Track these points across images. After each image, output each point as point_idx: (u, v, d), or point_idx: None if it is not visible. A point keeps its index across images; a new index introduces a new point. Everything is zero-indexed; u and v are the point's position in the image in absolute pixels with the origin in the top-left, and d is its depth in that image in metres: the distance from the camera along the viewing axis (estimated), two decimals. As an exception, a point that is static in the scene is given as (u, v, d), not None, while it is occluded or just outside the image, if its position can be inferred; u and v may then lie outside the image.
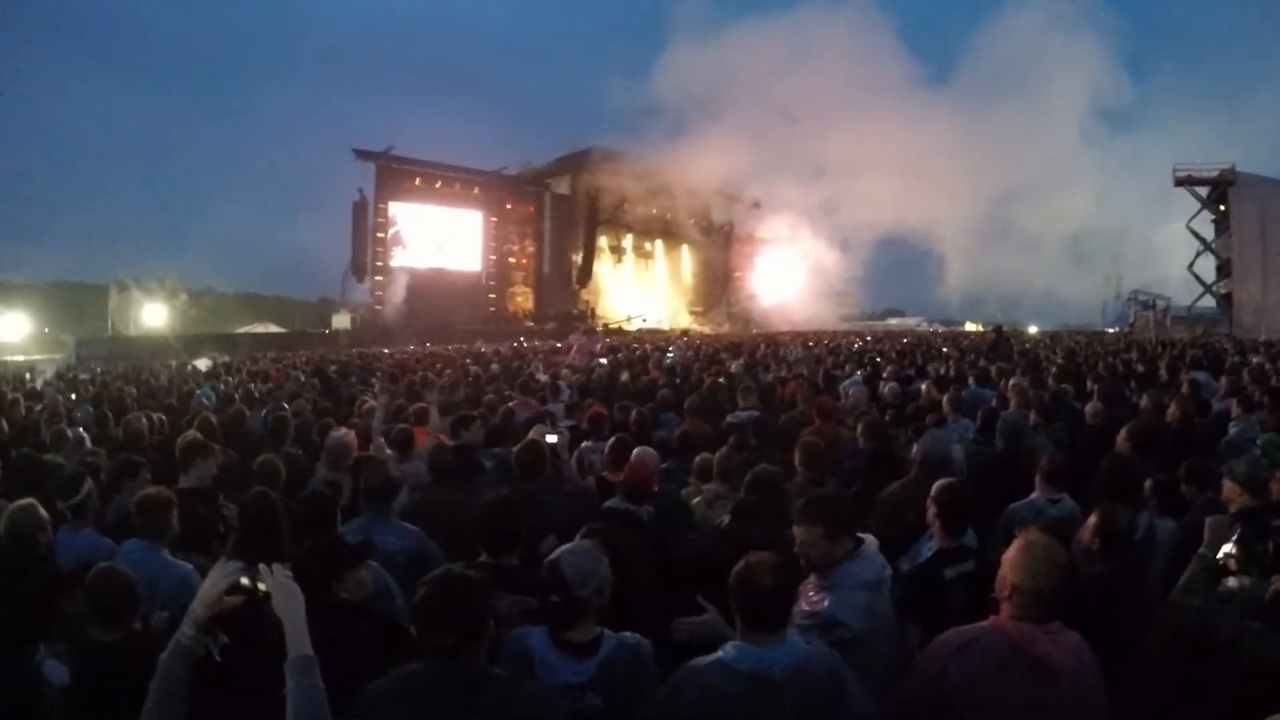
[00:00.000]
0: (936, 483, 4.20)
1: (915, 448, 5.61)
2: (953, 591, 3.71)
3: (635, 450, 5.38)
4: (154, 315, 45.39)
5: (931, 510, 4.08)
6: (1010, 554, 2.88)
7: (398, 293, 46.41)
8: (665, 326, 53.61)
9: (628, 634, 2.97)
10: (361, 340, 38.63)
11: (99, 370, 20.54)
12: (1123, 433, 6.26)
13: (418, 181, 49.18)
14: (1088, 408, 8.18)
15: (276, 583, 2.45)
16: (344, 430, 6.66)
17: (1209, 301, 54.53)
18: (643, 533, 4.47)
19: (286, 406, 9.17)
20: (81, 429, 8.35)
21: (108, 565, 3.51)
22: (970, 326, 54.44)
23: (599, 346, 23.23)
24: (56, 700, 3.15)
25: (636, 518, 4.57)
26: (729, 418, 8.03)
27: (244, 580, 2.46)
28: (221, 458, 5.85)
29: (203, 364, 21.14)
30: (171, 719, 2.32)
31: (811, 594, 3.37)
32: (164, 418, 9.04)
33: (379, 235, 46.71)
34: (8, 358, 31.00)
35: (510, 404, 9.04)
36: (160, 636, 2.79)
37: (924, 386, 10.16)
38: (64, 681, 3.16)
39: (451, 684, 2.38)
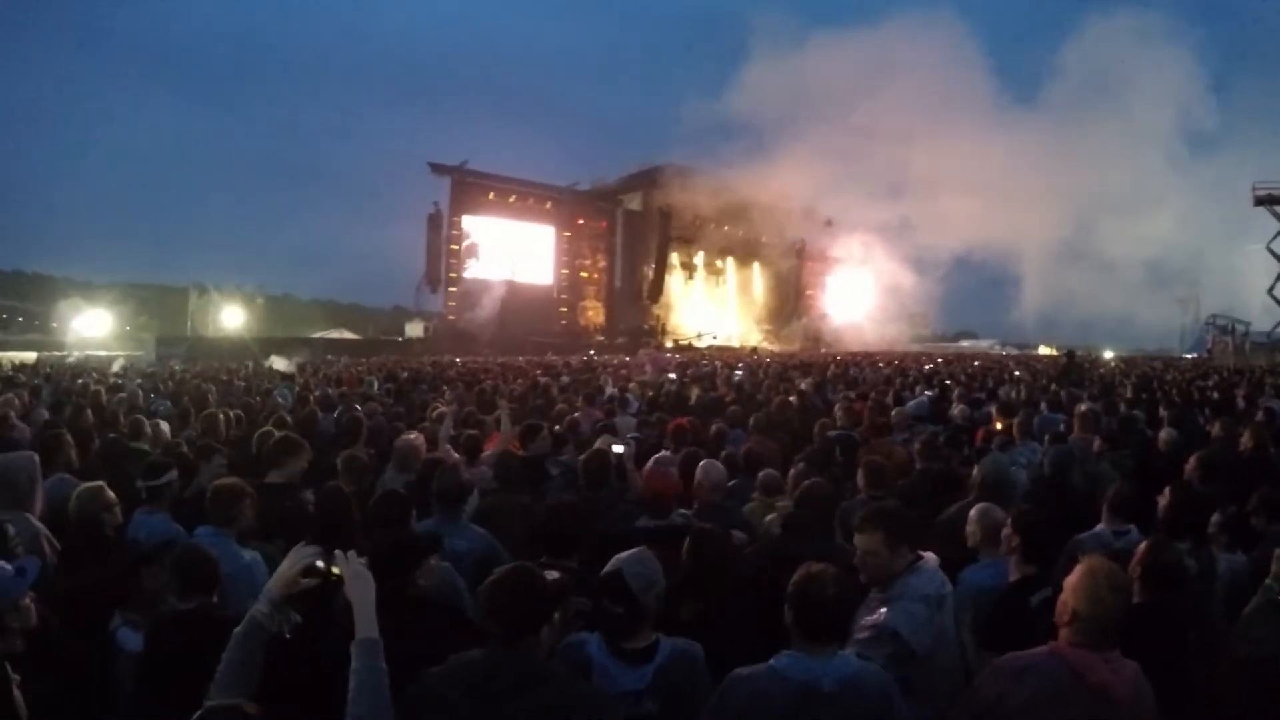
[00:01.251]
0: (1016, 509, 4.16)
1: (976, 470, 5.57)
2: (1041, 618, 3.55)
3: (702, 463, 5.41)
4: (232, 317, 46.74)
5: (1008, 533, 4.05)
6: (1072, 579, 2.85)
7: (470, 303, 47.09)
8: (735, 344, 53.47)
9: (680, 639, 2.99)
10: (434, 349, 39.25)
11: (178, 367, 21.19)
12: (1192, 461, 6.09)
13: (491, 195, 49.97)
14: (1161, 434, 7.93)
15: (350, 569, 2.56)
16: (414, 434, 6.81)
17: (1291, 328, 52.53)
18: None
19: (359, 408, 9.36)
20: (162, 422, 8.63)
21: (192, 542, 3.86)
22: (1044, 350, 53.04)
23: (671, 363, 23.25)
24: (129, 664, 3.38)
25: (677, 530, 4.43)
26: (829, 433, 8.14)
27: (319, 564, 2.60)
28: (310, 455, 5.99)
29: (280, 363, 21.62)
30: (242, 688, 2.43)
31: (871, 606, 3.35)
32: (242, 414, 9.35)
33: (453, 247, 47.62)
34: (90, 353, 32.30)
35: (575, 414, 9.14)
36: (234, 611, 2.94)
37: (991, 411, 10.11)
38: (136, 647, 3.38)
39: (508, 673, 2.44)
